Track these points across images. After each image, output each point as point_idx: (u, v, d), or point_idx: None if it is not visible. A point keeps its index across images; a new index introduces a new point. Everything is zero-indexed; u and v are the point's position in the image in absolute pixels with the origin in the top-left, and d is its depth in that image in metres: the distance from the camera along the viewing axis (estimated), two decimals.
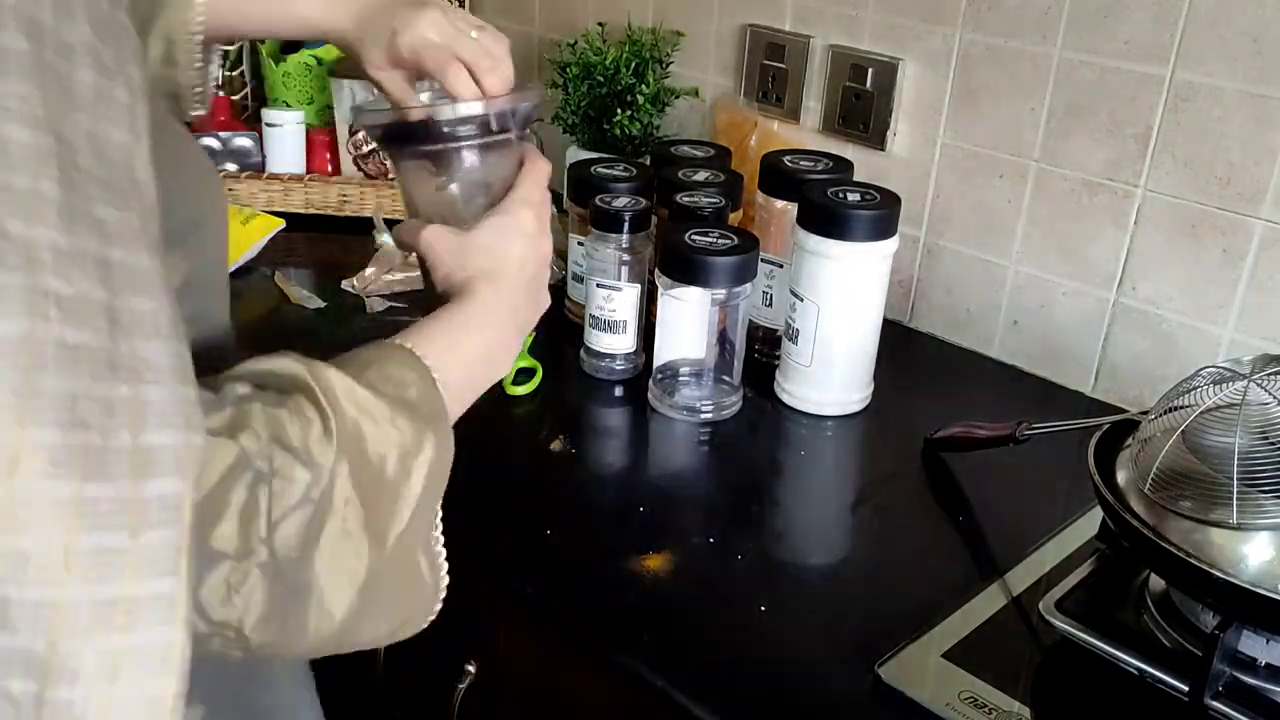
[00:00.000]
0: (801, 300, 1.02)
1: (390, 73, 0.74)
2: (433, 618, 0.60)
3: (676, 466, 1.03)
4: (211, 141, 1.41)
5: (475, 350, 0.65)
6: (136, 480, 0.40)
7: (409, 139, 0.70)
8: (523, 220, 0.70)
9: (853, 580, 0.87)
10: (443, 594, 0.60)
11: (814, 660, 0.77)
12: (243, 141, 1.44)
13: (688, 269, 1.00)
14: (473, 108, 0.69)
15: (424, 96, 0.76)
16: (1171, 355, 1.07)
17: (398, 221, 1.43)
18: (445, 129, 0.69)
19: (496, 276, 0.68)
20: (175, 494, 0.41)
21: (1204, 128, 1.00)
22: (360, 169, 1.44)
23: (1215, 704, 0.70)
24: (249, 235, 1.31)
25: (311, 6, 0.76)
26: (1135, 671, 0.73)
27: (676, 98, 1.40)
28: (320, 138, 1.46)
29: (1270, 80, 0.96)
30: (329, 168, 1.47)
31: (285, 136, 1.44)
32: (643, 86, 1.35)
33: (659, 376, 1.07)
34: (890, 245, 1.01)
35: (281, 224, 1.35)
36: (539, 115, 0.72)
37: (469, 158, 0.70)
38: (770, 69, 1.31)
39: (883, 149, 1.23)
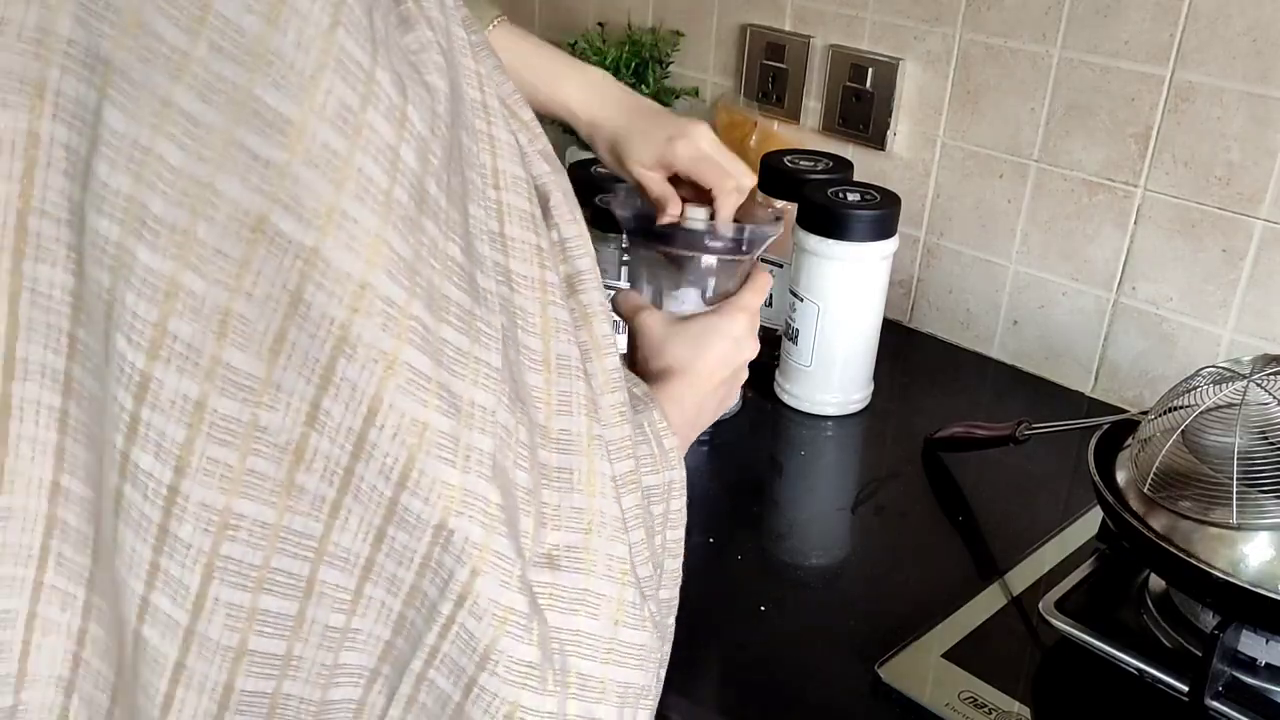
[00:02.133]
0: (801, 300, 1.02)
1: (656, 173, 0.84)
2: None
3: None
4: None
5: None
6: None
7: (659, 237, 0.78)
8: (733, 323, 0.73)
9: (853, 580, 0.87)
10: None
11: (814, 660, 0.77)
12: None
13: None
14: (727, 228, 0.78)
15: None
16: (1171, 355, 1.07)
17: None
18: (695, 238, 0.77)
19: (688, 372, 0.71)
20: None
21: (1204, 127, 1.00)
22: None
23: (1215, 704, 0.70)
24: None
25: (577, 92, 0.88)
26: (1135, 671, 0.73)
27: (676, 98, 1.40)
28: None
29: (1270, 80, 0.96)
30: None
31: None
32: (643, 86, 1.35)
33: None
34: (890, 245, 1.01)
35: None
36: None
37: (707, 266, 0.77)
38: (770, 69, 1.31)
39: (883, 149, 1.23)
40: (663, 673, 0.61)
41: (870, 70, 1.22)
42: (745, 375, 0.76)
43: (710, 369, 0.72)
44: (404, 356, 0.44)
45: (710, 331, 0.73)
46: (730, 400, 0.76)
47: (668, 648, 0.63)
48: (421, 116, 0.45)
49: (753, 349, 0.75)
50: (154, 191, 0.41)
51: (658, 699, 0.59)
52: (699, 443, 1.02)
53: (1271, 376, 0.72)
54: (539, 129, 0.56)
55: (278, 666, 0.46)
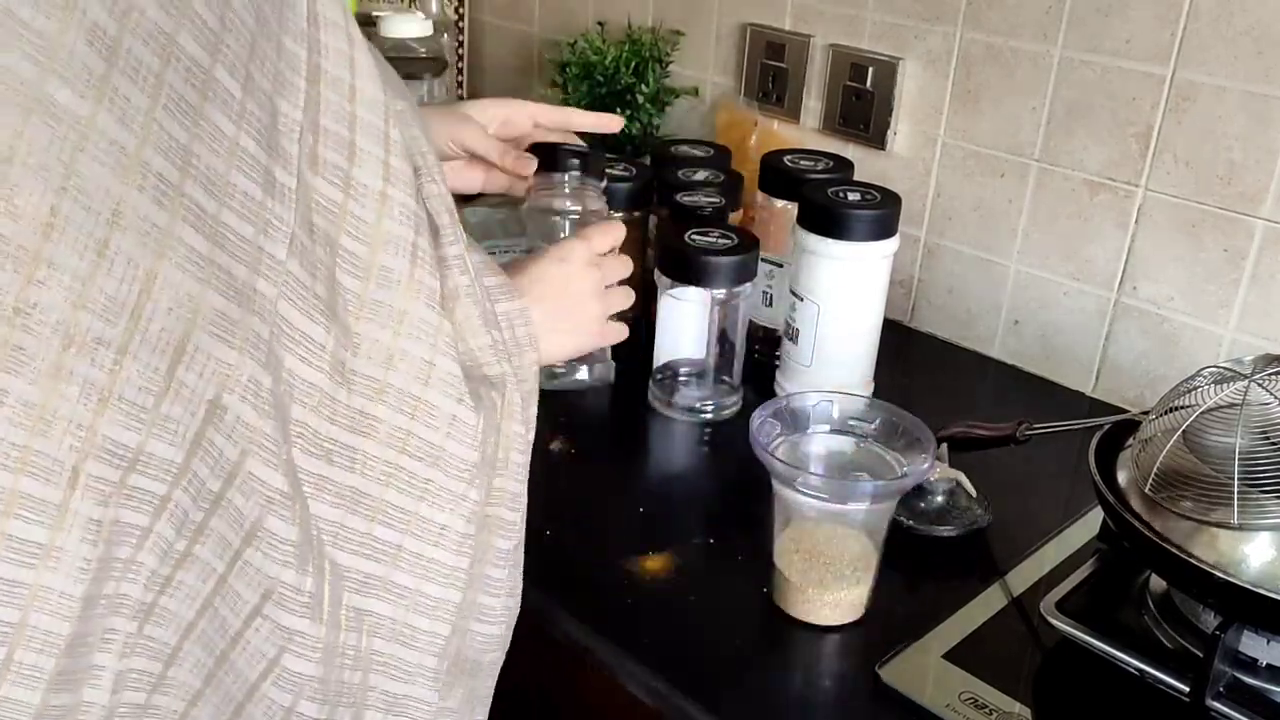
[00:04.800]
0: (801, 300, 1.02)
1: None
2: None
3: (676, 466, 1.02)
4: None
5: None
6: None
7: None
8: (565, 248, 0.79)
9: None
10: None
11: (814, 661, 0.77)
12: None
13: (688, 269, 1.00)
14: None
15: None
16: (1172, 355, 1.07)
17: None
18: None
19: (519, 277, 0.75)
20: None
21: (1205, 127, 1.00)
22: None
23: (1216, 705, 0.70)
24: None
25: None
26: (1136, 672, 0.73)
27: (676, 97, 1.40)
28: None
29: (1272, 79, 0.96)
30: None
31: None
32: (642, 86, 1.35)
33: (659, 377, 1.06)
34: (891, 245, 1.01)
35: None
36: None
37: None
38: (770, 68, 1.31)
39: (883, 148, 1.23)
40: (509, 604, 0.69)
41: (870, 70, 1.22)
42: (593, 314, 0.80)
43: (527, 283, 0.74)
44: (178, 232, 0.45)
45: (539, 254, 0.79)
46: (578, 341, 0.80)
47: (512, 552, 0.69)
48: (209, 6, 0.46)
49: (587, 278, 0.79)
50: None
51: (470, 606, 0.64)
52: (699, 442, 1.02)
53: (1273, 376, 0.71)
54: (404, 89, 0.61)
55: (36, 555, 0.45)
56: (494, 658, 0.69)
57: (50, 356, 0.43)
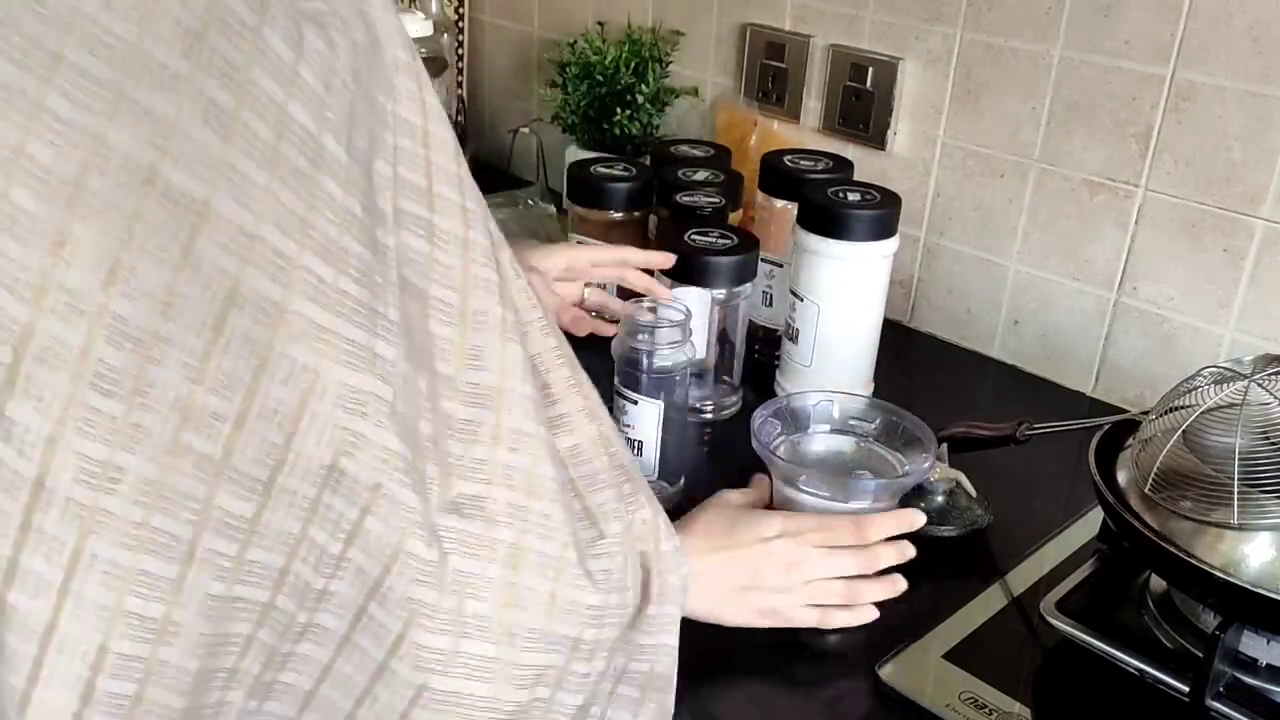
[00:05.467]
0: (801, 300, 1.02)
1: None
2: None
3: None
4: None
5: None
6: None
7: None
8: (768, 525, 0.76)
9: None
10: None
11: (814, 660, 0.77)
12: None
13: (688, 269, 1.00)
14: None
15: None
16: (1172, 355, 1.07)
17: None
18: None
19: (692, 535, 0.75)
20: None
21: (1205, 127, 1.00)
22: None
23: (1216, 704, 0.70)
24: None
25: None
26: (1136, 672, 0.73)
27: (676, 97, 1.40)
28: None
29: (1271, 79, 0.96)
30: None
31: None
32: (642, 86, 1.35)
33: None
34: (890, 245, 1.01)
35: None
36: None
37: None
38: (770, 68, 1.31)
39: (883, 149, 1.23)
40: (622, 616, 0.63)
41: (870, 70, 1.22)
42: (776, 601, 0.75)
43: (722, 548, 0.74)
44: (294, 306, 0.45)
45: (749, 518, 0.76)
46: (742, 614, 0.75)
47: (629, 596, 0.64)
48: (315, 74, 0.46)
49: (781, 576, 0.75)
50: (40, 139, 0.41)
51: (617, 649, 0.61)
52: (699, 442, 1.02)
53: (1273, 376, 0.71)
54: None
55: (154, 630, 0.46)
56: (667, 664, 0.66)
57: (168, 434, 0.43)
